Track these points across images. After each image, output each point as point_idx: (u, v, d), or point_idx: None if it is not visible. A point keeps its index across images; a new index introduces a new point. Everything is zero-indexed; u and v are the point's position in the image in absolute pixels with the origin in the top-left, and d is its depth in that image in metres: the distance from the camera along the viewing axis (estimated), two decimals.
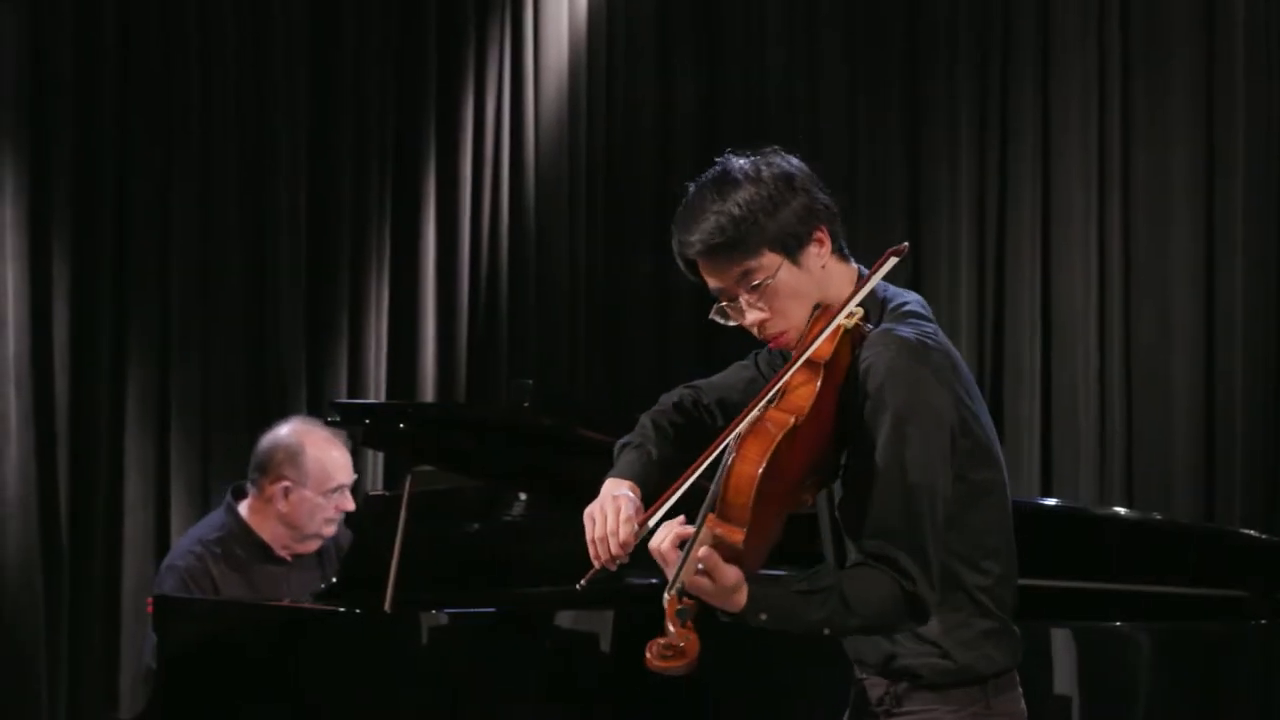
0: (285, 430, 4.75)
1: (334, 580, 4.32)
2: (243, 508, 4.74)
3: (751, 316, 2.75)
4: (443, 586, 4.38)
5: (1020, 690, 2.80)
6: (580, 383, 7.01)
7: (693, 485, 2.65)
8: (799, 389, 2.59)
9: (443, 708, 3.98)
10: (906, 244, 2.75)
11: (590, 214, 7.12)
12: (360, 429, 4.23)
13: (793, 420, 2.54)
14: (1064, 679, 4.03)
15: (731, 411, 2.86)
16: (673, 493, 2.65)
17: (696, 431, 2.88)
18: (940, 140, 6.99)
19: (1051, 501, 6.20)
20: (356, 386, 6.35)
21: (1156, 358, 6.65)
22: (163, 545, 5.81)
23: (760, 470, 2.47)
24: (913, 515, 2.60)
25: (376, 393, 6.37)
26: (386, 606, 3.96)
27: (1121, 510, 5.67)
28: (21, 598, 5.49)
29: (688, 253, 2.74)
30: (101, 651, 5.71)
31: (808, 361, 2.61)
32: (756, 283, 2.72)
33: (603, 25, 7.16)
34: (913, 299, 2.80)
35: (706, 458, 2.64)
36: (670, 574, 2.49)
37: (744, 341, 3.06)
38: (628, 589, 4.70)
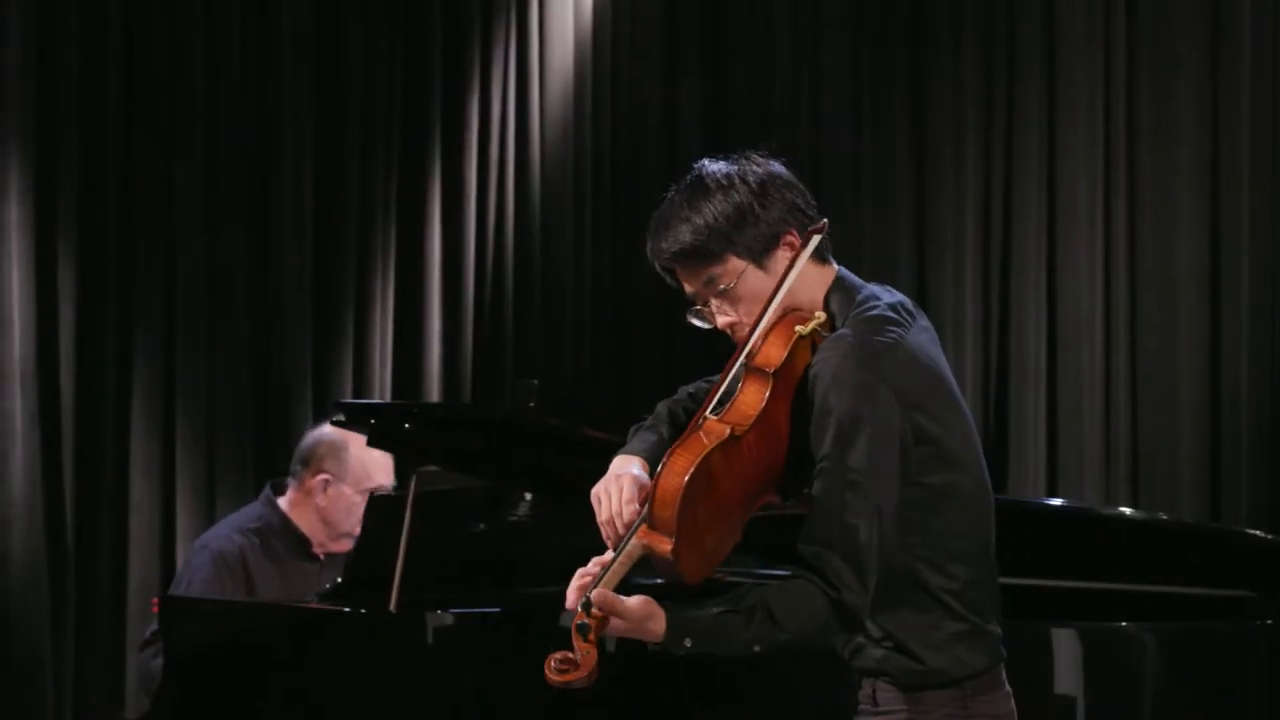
0: (330, 427, 4.80)
1: (339, 580, 4.33)
2: (283, 502, 4.77)
3: (721, 320, 2.80)
4: (448, 587, 4.38)
5: (1007, 690, 2.79)
6: (586, 382, 7.01)
7: None
8: (747, 397, 2.60)
9: (447, 708, 3.98)
10: (825, 221, 2.75)
11: (596, 213, 7.13)
12: (365, 429, 4.22)
13: (728, 431, 2.55)
14: (1069, 679, 4.02)
15: None
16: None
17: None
18: (945, 141, 6.99)
19: (1057, 501, 6.20)
20: (362, 386, 6.35)
21: (1161, 358, 6.64)
22: (168, 545, 5.82)
23: (684, 481, 2.47)
24: (846, 524, 2.59)
25: (382, 393, 6.38)
26: (391, 607, 3.97)
27: (1127, 510, 5.67)
28: (27, 597, 5.50)
29: (657, 260, 2.85)
30: (107, 651, 5.72)
31: (756, 369, 2.62)
32: (722, 287, 2.77)
33: (608, 25, 7.16)
34: (886, 301, 2.76)
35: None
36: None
37: None
38: (633, 589, 4.70)
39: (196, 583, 4.59)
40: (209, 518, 5.81)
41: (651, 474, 2.61)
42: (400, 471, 4.93)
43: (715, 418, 2.58)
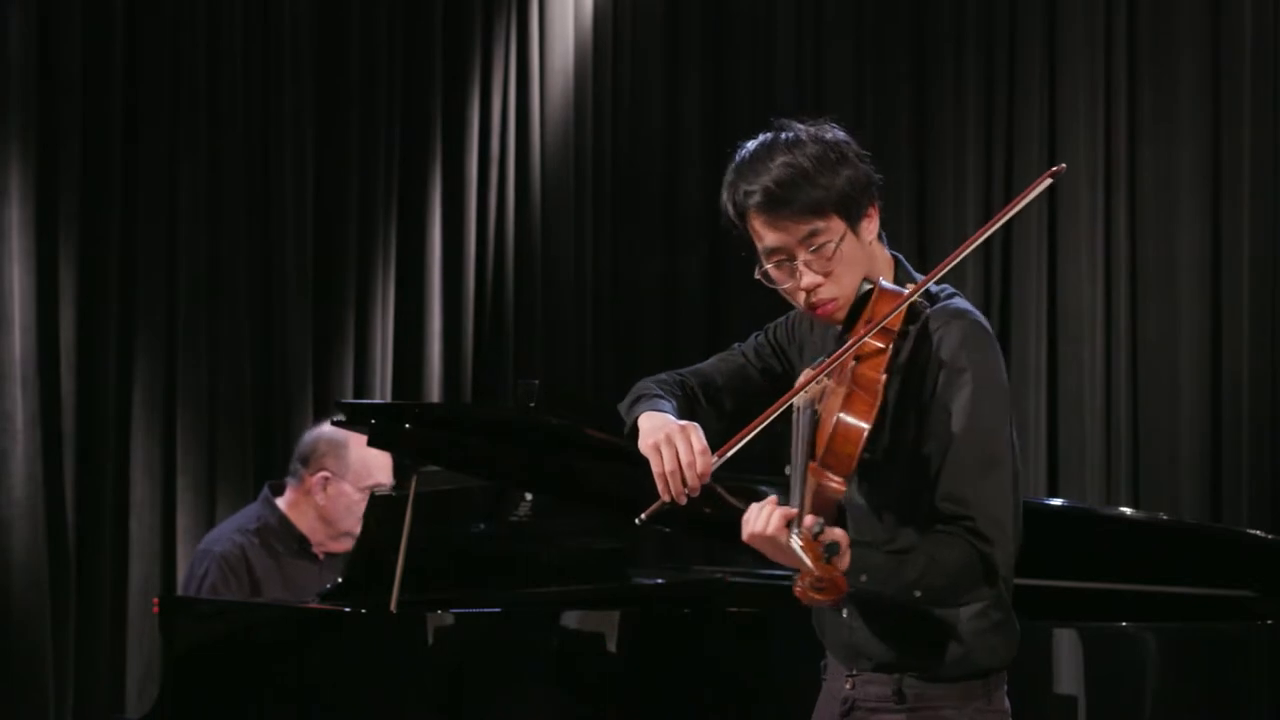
0: (330, 426, 4.81)
1: (339, 580, 4.33)
2: (281, 502, 4.78)
3: (808, 279, 2.71)
4: (448, 586, 4.38)
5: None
6: (587, 382, 7.01)
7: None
8: (876, 352, 2.62)
9: (448, 707, 3.98)
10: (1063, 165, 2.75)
11: (596, 213, 7.13)
12: (366, 429, 4.22)
13: (884, 378, 2.58)
14: (1070, 679, 4.02)
15: (720, 396, 2.89)
16: (747, 433, 2.64)
17: (686, 413, 2.84)
18: (946, 140, 6.99)
19: (1057, 501, 6.20)
20: (363, 386, 6.35)
21: (1162, 357, 6.64)
22: (168, 545, 5.82)
23: (869, 425, 2.52)
24: (988, 481, 2.63)
25: (382, 392, 6.38)
26: (392, 606, 3.96)
27: (1128, 510, 5.67)
28: (28, 597, 5.49)
29: (750, 201, 2.70)
30: (108, 651, 5.71)
31: (883, 329, 2.63)
32: (819, 244, 2.70)
33: (609, 25, 7.17)
34: (960, 296, 2.82)
35: (773, 411, 2.64)
36: (778, 539, 2.46)
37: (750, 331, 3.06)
38: (633, 589, 4.71)
39: (205, 588, 4.60)
40: (209, 518, 5.81)
41: None
42: (400, 471, 4.94)
43: (864, 366, 2.59)
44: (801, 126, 2.75)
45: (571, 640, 3.98)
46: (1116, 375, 6.68)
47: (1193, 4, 6.64)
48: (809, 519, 2.43)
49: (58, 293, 5.65)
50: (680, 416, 2.75)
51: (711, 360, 3.00)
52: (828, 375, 2.63)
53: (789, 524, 2.44)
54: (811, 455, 2.52)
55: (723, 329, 7.11)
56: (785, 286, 2.74)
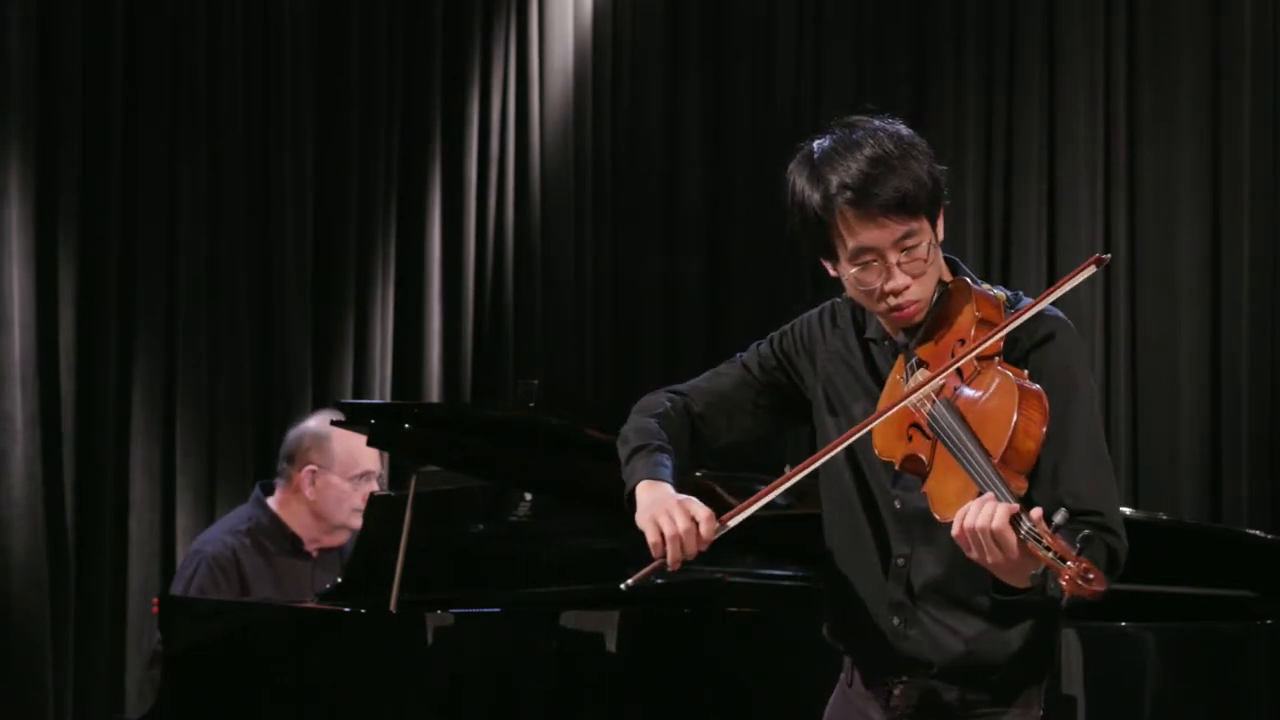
0: (312, 421, 4.82)
1: (339, 580, 4.33)
2: (272, 501, 4.78)
3: (900, 280, 2.67)
4: (448, 586, 4.38)
5: None
6: (587, 383, 7.01)
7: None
8: (996, 354, 2.64)
9: (448, 708, 3.98)
10: (1108, 255, 2.79)
11: (596, 214, 7.13)
12: (365, 429, 4.22)
13: (1026, 373, 2.62)
14: (1070, 680, 4.02)
15: (723, 417, 2.86)
16: (766, 494, 2.63)
17: (687, 446, 2.84)
18: (946, 140, 6.99)
19: None
20: (362, 386, 6.35)
21: (1162, 356, 6.64)
22: (169, 545, 5.82)
23: (1046, 420, 2.55)
24: (1107, 480, 2.69)
25: (382, 393, 6.38)
26: (391, 606, 3.96)
27: (1127, 510, 5.65)
28: (28, 597, 5.49)
29: (842, 197, 2.64)
30: (108, 651, 5.71)
31: (991, 325, 2.65)
32: (913, 245, 2.67)
33: (608, 25, 7.16)
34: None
35: (814, 461, 2.66)
36: (1003, 536, 2.44)
37: (749, 341, 3.05)
38: (633, 589, 4.70)
39: (193, 589, 4.60)
40: (209, 518, 5.81)
41: None
42: (400, 471, 4.94)
43: (1002, 366, 2.62)
44: (875, 123, 2.71)
45: (571, 640, 3.97)
46: (1116, 375, 6.68)
47: (1193, 4, 6.64)
48: (1036, 511, 2.43)
49: (57, 293, 5.65)
50: (679, 468, 2.74)
51: (711, 374, 2.95)
52: (945, 373, 2.62)
53: (1014, 519, 2.43)
54: (984, 451, 2.52)
55: (723, 329, 7.11)
56: (869, 288, 2.68)
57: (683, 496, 2.66)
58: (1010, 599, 2.60)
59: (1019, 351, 2.68)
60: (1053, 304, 2.74)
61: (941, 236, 2.74)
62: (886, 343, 2.78)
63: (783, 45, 7.25)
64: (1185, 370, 6.60)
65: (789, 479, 2.65)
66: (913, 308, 2.69)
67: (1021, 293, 2.79)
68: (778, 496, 2.69)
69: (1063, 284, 2.68)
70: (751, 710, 3.93)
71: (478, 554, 4.65)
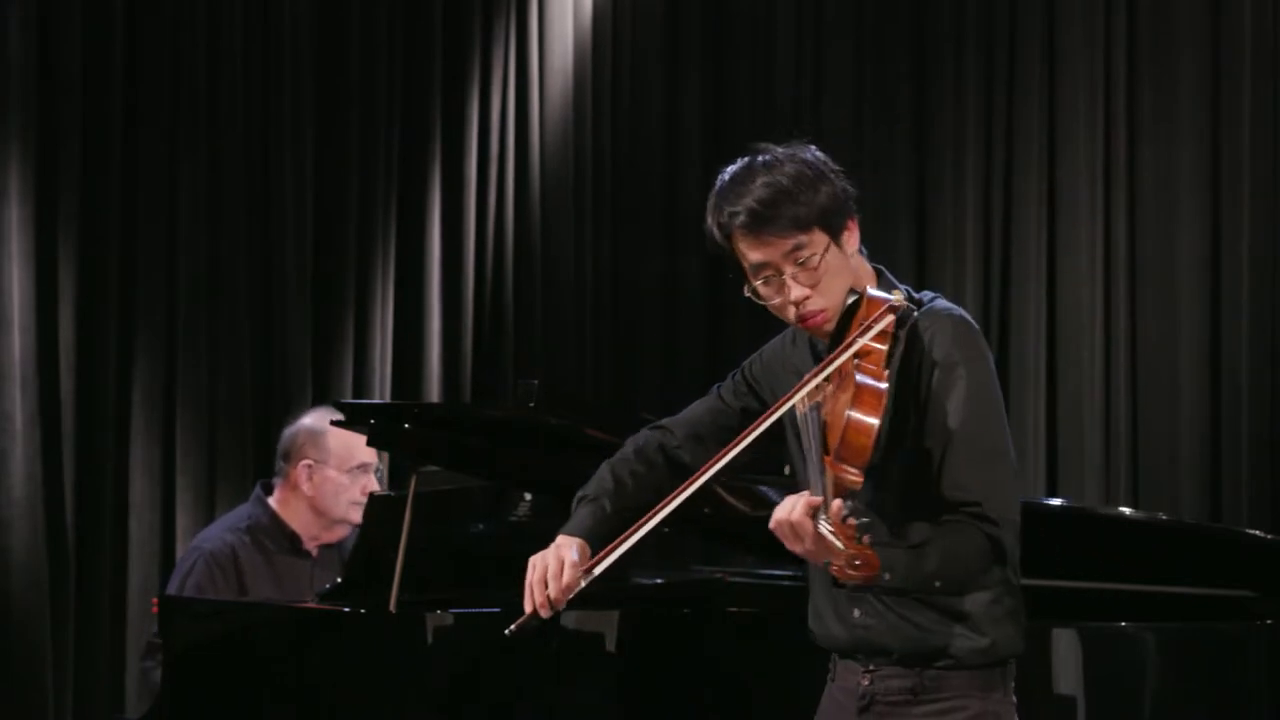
0: (307, 418, 4.82)
1: (338, 580, 4.33)
2: (271, 500, 4.78)
3: (796, 293, 2.78)
4: (448, 586, 4.38)
5: None
6: (587, 383, 7.01)
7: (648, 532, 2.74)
8: (873, 353, 2.69)
9: (447, 708, 3.98)
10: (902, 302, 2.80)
11: (596, 214, 7.13)
12: (365, 429, 4.22)
13: (886, 374, 2.66)
14: (1069, 680, 4.02)
15: (701, 446, 2.94)
16: (635, 531, 2.73)
17: (659, 479, 2.93)
18: (945, 141, 7.00)
19: (1057, 501, 6.20)
20: (362, 386, 6.35)
21: (1162, 356, 6.65)
22: (169, 545, 5.82)
23: (879, 419, 2.59)
24: (991, 467, 2.72)
25: (382, 392, 6.38)
26: (391, 606, 3.96)
27: (1127, 510, 5.67)
28: (28, 597, 5.49)
29: (734, 222, 2.78)
30: (108, 651, 5.71)
31: (880, 332, 2.71)
32: (804, 258, 2.77)
33: (608, 25, 7.17)
34: (941, 298, 2.89)
35: (683, 490, 2.74)
36: (804, 525, 2.52)
37: (749, 341, 3.06)
38: (633, 589, 4.71)
39: (190, 585, 4.60)
40: (209, 518, 5.81)
41: (591, 554, 2.77)
42: (400, 471, 4.94)
43: (862, 366, 2.66)
44: (778, 149, 2.83)
45: (571, 640, 3.97)
46: (1116, 375, 6.68)
47: (1192, 4, 6.64)
48: (836, 504, 2.48)
49: (57, 293, 5.65)
50: (605, 521, 2.85)
51: (694, 405, 3.06)
52: (826, 379, 2.68)
53: (814, 513, 2.50)
54: (825, 450, 2.58)
55: (723, 329, 7.11)
56: (774, 301, 2.81)
57: (561, 541, 2.82)
58: (854, 591, 2.71)
59: (910, 349, 2.76)
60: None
61: (853, 246, 2.84)
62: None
63: (783, 45, 7.25)
64: (1185, 370, 6.60)
65: (662, 509, 2.75)
66: (819, 316, 2.80)
67: (941, 297, 2.86)
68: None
69: (863, 332, 2.72)
70: (751, 710, 3.93)
71: (478, 554, 4.65)
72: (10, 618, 5.48)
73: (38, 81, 5.59)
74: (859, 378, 2.64)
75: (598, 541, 2.82)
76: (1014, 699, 2.85)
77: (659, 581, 4.84)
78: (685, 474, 2.89)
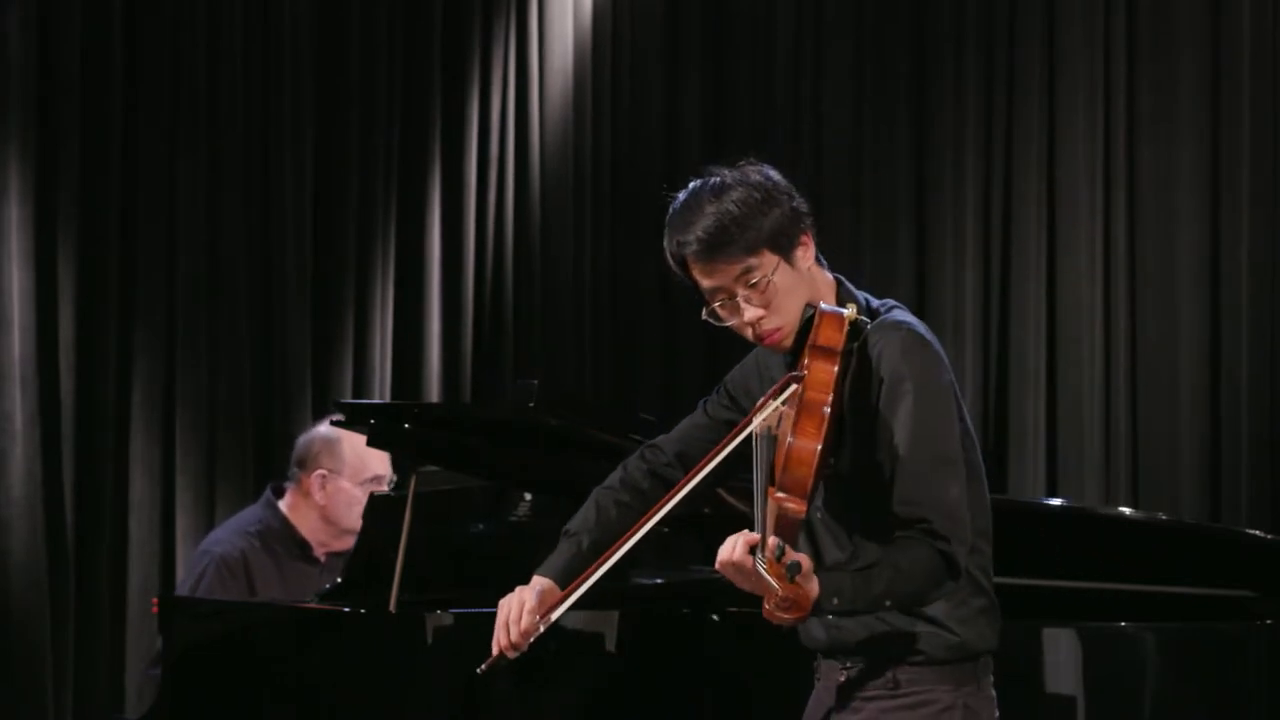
0: (323, 426, 4.81)
1: (339, 580, 4.33)
2: (283, 505, 4.77)
3: (750, 314, 2.83)
4: (448, 586, 4.38)
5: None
6: (587, 383, 7.01)
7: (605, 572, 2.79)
8: (820, 374, 2.70)
9: (447, 708, 3.98)
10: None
11: (596, 214, 7.13)
12: (366, 429, 4.22)
13: (830, 397, 2.66)
14: (1069, 680, 4.02)
15: (692, 463, 2.96)
16: (592, 573, 2.79)
17: (645, 505, 2.95)
18: (945, 141, 7.00)
19: (1056, 501, 6.20)
20: (362, 386, 6.35)
21: (1162, 356, 6.65)
22: (168, 545, 5.82)
23: (819, 445, 2.60)
24: (939, 482, 2.73)
25: (382, 393, 6.38)
26: (391, 606, 3.96)
27: (1127, 510, 5.67)
28: (27, 597, 5.49)
29: (685, 251, 2.83)
30: (107, 651, 5.71)
31: (824, 350, 2.72)
32: (755, 280, 2.81)
33: (608, 25, 7.17)
34: (900, 308, 2.92)
35: (648, 520, 2.79)
36: (744, 565, 2.54)
37: (748, 342, 3.07)
38: (633, 589, 4.71)
39: (201, 588, 4.60)
40: (209, 518, 5.81)
41: (563, 587, 2.83)
42: (400, 471, 4.93)
43: (809, 391, 2.68)
44: (727, 172, 2.86)
45: (571, 640, 3.97)
46: (1116, 375, 6.69)
47: (1192, 4, 6.64)
48: (771, 541, 2.51)
49: (57, 292, 5.65)
50: (581, 558, 2.89)
51: (685, 421, 3.10)
52: (784, 402, 2.70)
53: (753, 549, 2.52)
54: (770, 480, 2.60)
55: (722, 329, 7.10)
56: (732, 322, 2.85)
57: (531, 588, 2.87)
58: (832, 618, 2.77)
59: (861, 363, 2.79)
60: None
61: (806, 261, 2.85)
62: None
63: (783, 45, 7.25)
64: (1185, 370, 6.60)
65: (615, 551, 2.79)
66: (776, 334, 2.84)
67: (898, 308, 2.89)
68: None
69: (767, 400, 2.75)
70: (751, 710, 3.93)
71: (478, 554, 4.65)
72: (10, 618, 5.48)
73: (38, 81, 5.60)
74: (806, 398, 2.67)
75: (568, 580, 2.86)
76: (993, 693, 2.89)
77: (659, 581, 4.84)
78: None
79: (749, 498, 2.70)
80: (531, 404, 4.24)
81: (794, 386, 2.70)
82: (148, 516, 5.80)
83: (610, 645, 4.01)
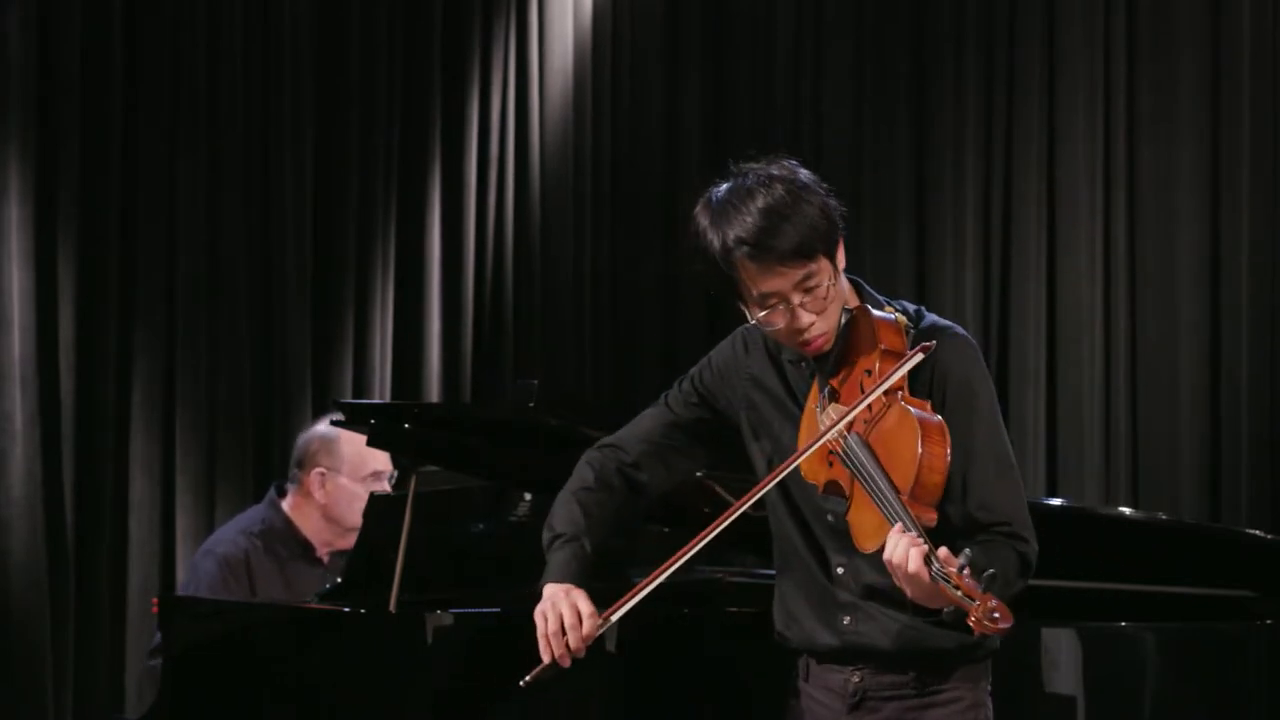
0: (321, 425, 4.81)
1: (339, 580, 4.33)
2: (285, 505, 4.77)
3: (805, 319, 2.78)
4: (448, 586, 4.38)
5: None
6: (587, 383, 7.01)
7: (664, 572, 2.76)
8: (903, 386, 2.73)
9: (447, 708, 3.98)
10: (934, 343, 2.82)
11: (596, 214, 7.13)
12: (365, 429, 4.22)
13: (929, 403, 2.73)
14: (1069, 680, 4.02)
15: (658, 462, 2.96)
16: (654, 579, 2.75)
17: (619, 503, 2.95)
18: (945, 141, 7.00)
19: (1056, 501, 6.19)
20: (362, 386, 6.35)
21: (1162, 356, 6.65)
22: (168, 545, 5.82)
23: (948, 450, 2.66)
24: (1012, 486, 2.81)
25: (382, 393, 6.38)
26: (391, 606, 3.96)
27: (1127, 510, 5.66)
28: (27, 597, 5.49)
29: (740, 251, 2.74)
30: (107, 651, 5.71)
31: (894, 354, 2.74)
32: (813, 285, 2.77)
33: (608, 25, 7.17)
34: (923, 310, 2.93)
35: (705, 536, 2.76)
36: (919, 578, 2.56)
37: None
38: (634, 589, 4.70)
39: (203, 588, 4.60)
40: (209, 518, 5.81)
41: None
42: (400, 471, 4.94)
43: (903, 399, 2.72)
44: (771, 169, 2.81)
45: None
46: (1116, 375, 6.68)
47: (1192, 4, 6.64)
48: (943, 552, 2.55)
49: (57, 293, 5.65)
50: (588, 561, 2.87)
51: (642, 418, 3.04)
52: (868, 408, 2.71)
53: (925, 559, 2.56)
54: (887, 484, 2.63)
55: (722, 329, 7.09)
56: (778, 327, 2.80)
57: (570, 587, 2.81)
58: (930, 619, 2.72)
59: (923, 373, 2.78)
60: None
61: (843, 264, 2.83)
62: (803, 364, 2.88)
63: (783, 45, 7.25)
64: (1185, 370, 6.60)
65: (685, 554, 2.75)
66: (820, 340, 2.81)
67: (924, 309, 2.89)
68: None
69: (903, 364, 2.74)
70: (751, 710, 3.93)
71: (478, 554, 4.65)
72: (10, 618, 5.48)
73: (38, 81, 5.60)
74: (914, 412, 2.69)
75: (582, 582, 2.84)
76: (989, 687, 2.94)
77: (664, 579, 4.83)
78: (643, 494, 2.93)
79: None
80: (531, 404, 4.24)
81: (876, 393, 2.70)
82: (148, 516, 5.80)
83: (610, 645, 4.00)
